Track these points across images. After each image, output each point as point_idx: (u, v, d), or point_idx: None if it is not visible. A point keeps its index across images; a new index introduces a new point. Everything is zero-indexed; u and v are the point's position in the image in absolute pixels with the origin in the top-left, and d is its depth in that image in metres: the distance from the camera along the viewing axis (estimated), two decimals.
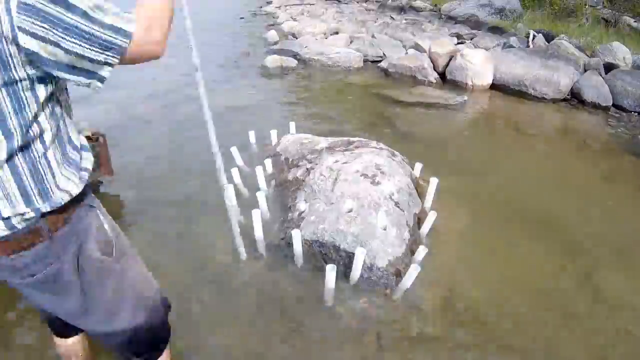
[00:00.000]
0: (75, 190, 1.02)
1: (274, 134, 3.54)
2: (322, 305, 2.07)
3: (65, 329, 1.40)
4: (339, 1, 14.26)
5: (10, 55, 0.79)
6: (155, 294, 1.32)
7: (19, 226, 0.95)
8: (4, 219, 0.93)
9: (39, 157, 0.93)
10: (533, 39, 7.19)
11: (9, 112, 0.84)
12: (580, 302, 2.19)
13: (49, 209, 0.97)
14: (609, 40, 6.76)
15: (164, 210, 2.78)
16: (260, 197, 2.58)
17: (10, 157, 0.88)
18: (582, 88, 5.49)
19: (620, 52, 6.19)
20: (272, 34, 8.67)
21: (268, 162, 3.07)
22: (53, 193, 0.97)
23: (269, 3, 14.53)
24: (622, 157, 4.08)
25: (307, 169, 2.81)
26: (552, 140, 4.43)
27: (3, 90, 0.82)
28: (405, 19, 10.08)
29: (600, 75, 5.73)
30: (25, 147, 0.90)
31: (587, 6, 9.22)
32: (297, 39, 8.28)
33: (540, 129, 4.66)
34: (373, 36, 8.06)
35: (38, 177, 0.94)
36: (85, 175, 1.06)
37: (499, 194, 3.20)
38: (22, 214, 0.94)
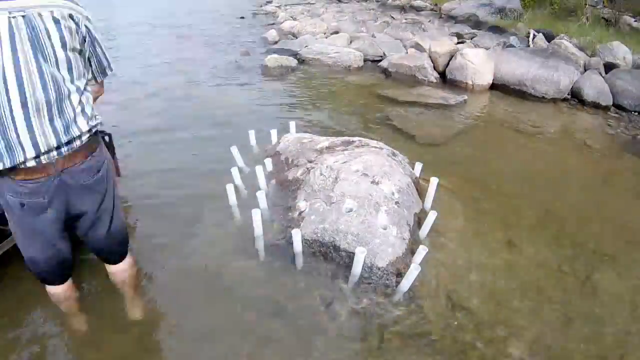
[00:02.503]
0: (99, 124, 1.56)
1: (274, 133, 3.54)
2: (322, 305, 2.07)
3: (53, 277, 1.68)
4: (339, 0, 14.24)
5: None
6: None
7: (93, 131, 1.51)
8: (82, 131, 1.44)
9: (89, 96, 1.51)
10: (533, 38, 7.18)
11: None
12: (580, 302, 2.19)
13: (94, 125, 1.51)
14: (609, 40, 6.75)
15: (167, 210, 2.78)
16: (260, 196, 2.58)
17: (81, 92, 1.45)
18: (582, 88, 5.49)
19: (621, 52, 6.19)
20: (272, 34, 8.67)
21: (268, 162, 3.07)
22: (95, 118, 1.52)
23: (269, 2, 14.52)
24: (622, 157, 4.08)
25: (307, 168, 2.81)
26: (552, 140, 4.43)
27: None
28: (406, 19, 10.06)
29: (601, 74, 5.73)
30: (85, 89, 1.48)
31: (587, 6, 9.20)
32: (297, 38, 8.28)
33: (540, 129, 4.65)
34: (373, 36, 8.05)
35: (90, 106, 1.50)
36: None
37: (499, 193, 3.20)
38: (89, 126, 1.47)
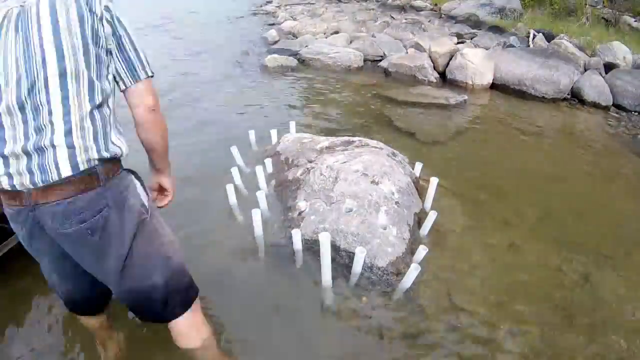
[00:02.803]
0: (124, 149, 1.20)
1: (274, 133, 3.54)
2: (322, 305, 2.07)
3: (85, 308, 1.45)
4: (339, 0, 14.24)
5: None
6: (180, 258, 1.36)
7: (82, 167, 1.08)
8: (71, 159, 1.06)
9: (107, 115, 1.15)
10: (533, 38, 7.18)
11: (99, 76, 1.12)
12: (580, 302, 2.19)
13: (108, 157, 1.13)
14: (609, 40, 6.75)
15: (167, 210, 2.77)
16: (260, 196, 2.58)
17: (92, 109, 1.10)
18: (582, 88, 5.49)
19: (621, 52, 6.19)
20: (272, 33, 8.66)
21: (268, 162, 3.07)
22: (113, 144, 1.15)
23: (269, 2, 14.52)
24: (622, 157, 4.08)
25: (307, 168, 2.81)
26: (552, 140, 4.43)
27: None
28: (406, 19, 10.05)
29: (601, 74, 5.73)
30: (101, 105, 1.13)
31: (587, 6, 9.20)
32: (297, 38, 8.27)
33: (540, 129, 4.65)
34: (373, 35, 8.04)
35: (105, 130, 1.13)
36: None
37: (498, 193, 3.20)
38: (88, 155, 1.09)
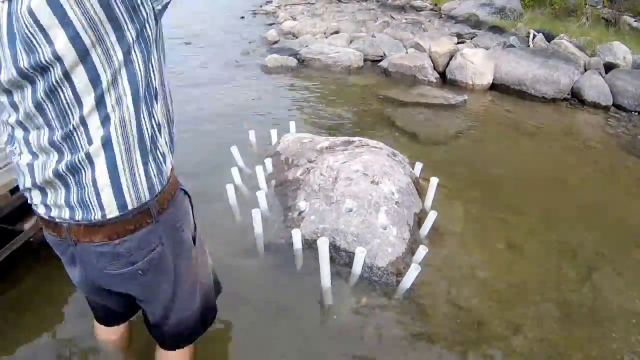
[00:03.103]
0: (171, 162, 1.03)
1: (274, 133, 3.54)
2: (322, 305, 2.07)
3: (110, 319, 1.40)
4: (339, 0, 14.24)
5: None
6: (211, 279, 1.35)
7: (130, 206, 0.90)
8: (117, 197, 0.88)
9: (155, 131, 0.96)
10: (533, 38, 7.18)
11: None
12: (580, 302, 2.19)
13: (160, 188, 0.95)
14: (609, 40, 6.75)
15: None
16: (260, 196, 2.58)
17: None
18: (582, 88, 5.49)
19: (621, 52, 6.19)
20: (272, 33, 8.66)
21: (268, 162, 3.07)
22: (166, 167, 0.98)
23: (269, 2, 14.52)
24: (622, 157, 4.08)
25: (307, 168, 2.81)
26: (552, 140, 4.43)
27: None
28: (405, 19, 10.05)
29: (601, 74, 5.73)
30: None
31: (587, 6, 9.21)
32: (297, 38, 8.27)
33: (540, 129, 4.65)
34: (373, 36, 8.04)
35: (156, 152, 0.94)
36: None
37: (499, 193, 3.20)
38: (138, 192, 0.90)
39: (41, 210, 0.95)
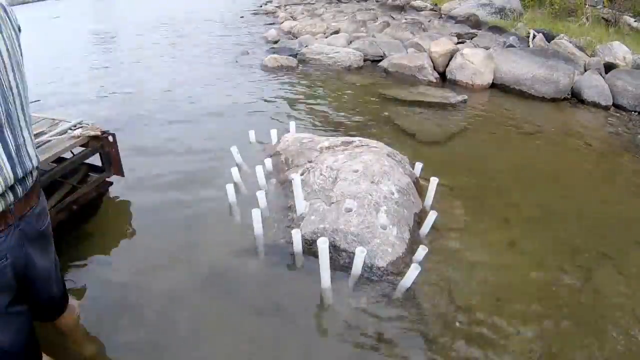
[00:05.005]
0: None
1: (274, 133, 3.54)
2: (322, 305, 2.07)
3: (42, 315, 1.49)
4: (339, 0, 14.24)
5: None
6: None
7: (34, 178, 1.17)
8: (30, 172, 1.12)
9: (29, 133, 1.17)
10: (533, 38, 7.18)
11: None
12: (580, 302, 2.19)
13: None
14: (609, 40, 6.76)
15: (167, 210, 2.77)
16: (260, 196, 2.58)
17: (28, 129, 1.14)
18: (582, 87, 5.49)
19: (621, 52, 6.19)
20: (272, 33, 8.67)
21: (268, 162, 3.07)
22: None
23: (269, 2, 14.52)
24: (622, 157, 4.08)
25: (307, 168, 2.81)
26: (552, 140, 4.43)
27: None
28: (405, 19, 10.05)
29: (601, 74, 5.73)
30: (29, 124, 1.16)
31: (587, 6, 9.21)
32: (297, 38, 8.28)
33: (540, 129, 4.65)
34: (373, 36, 8.04)
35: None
36: None
37: (499, 193, 3.20)
38: (34, 169, 1.15)
39: None
